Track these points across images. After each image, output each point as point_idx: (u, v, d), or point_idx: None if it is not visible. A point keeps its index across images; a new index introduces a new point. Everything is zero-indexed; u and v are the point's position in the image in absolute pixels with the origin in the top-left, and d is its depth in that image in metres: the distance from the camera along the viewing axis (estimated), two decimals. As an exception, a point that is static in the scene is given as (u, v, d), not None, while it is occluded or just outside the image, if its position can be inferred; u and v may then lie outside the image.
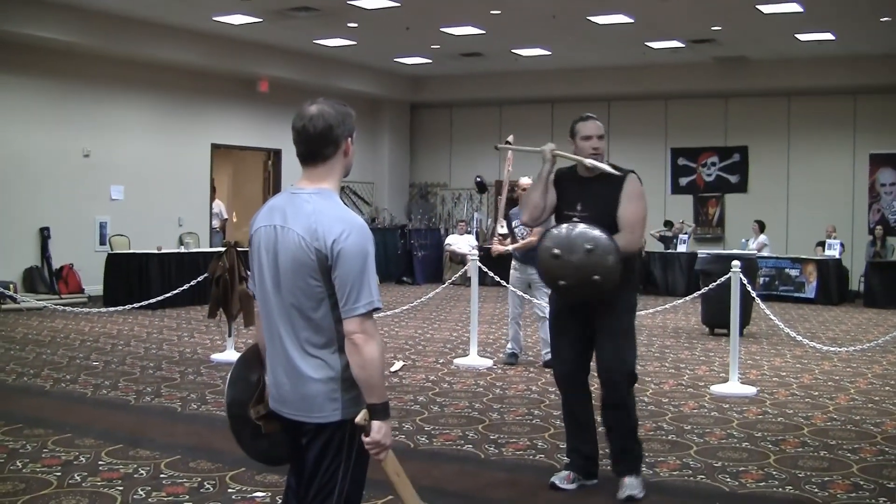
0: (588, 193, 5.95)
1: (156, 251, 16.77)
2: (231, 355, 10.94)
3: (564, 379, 6.15)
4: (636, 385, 6.17)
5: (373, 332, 3.37)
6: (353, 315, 3.36)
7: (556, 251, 5.67)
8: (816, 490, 6.10)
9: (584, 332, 6.00)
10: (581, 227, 5.68)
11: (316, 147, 3.52)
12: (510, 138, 6.03)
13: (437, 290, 13.37)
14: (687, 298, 11.87)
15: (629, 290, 6.04)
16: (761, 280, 18.14)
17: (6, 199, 16.10)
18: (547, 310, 9.61)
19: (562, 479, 6.08)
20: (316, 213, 3.44)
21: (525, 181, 10.63)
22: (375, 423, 3.39)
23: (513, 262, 11.01)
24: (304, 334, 3.44)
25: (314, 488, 3.51)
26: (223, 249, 11.44)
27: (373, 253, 3.45)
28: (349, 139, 3.57)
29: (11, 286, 15.67)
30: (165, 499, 5.76)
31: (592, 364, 6.09)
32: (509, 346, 11.17)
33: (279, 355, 3.50)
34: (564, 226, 5.77)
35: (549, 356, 10.15)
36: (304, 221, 3.42)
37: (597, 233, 5.63)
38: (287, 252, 3.43)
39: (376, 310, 3.41)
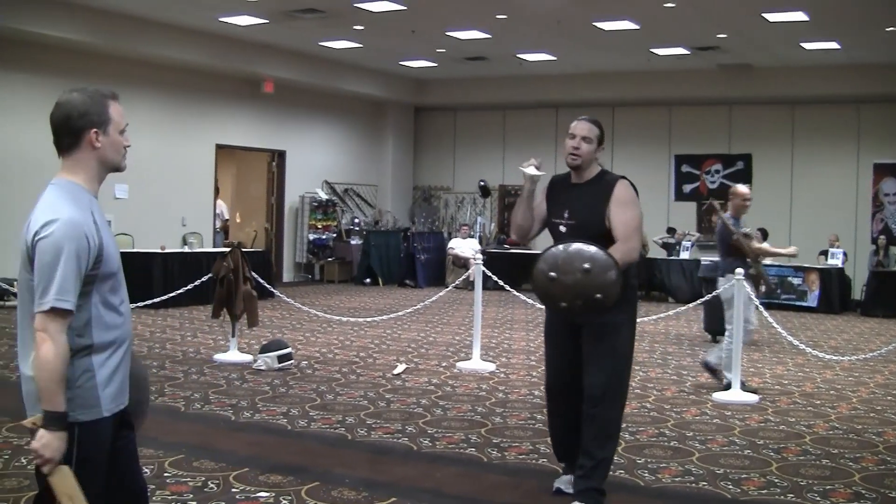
0: (576, 200, 5.76)
1: (159, 250, 16.79)
2: (234, 356, 10.97)
3: (551, 387, 6.03)
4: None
5: (53, 334, 3.13)
6: (37, 311, 3.15)
7: (552, 274, 5.40)
8: (818, 498, 6.11)
9: (575, 346, 5.77)
10: (575, 246, 5.39)
11: (56, 137, 3.38)
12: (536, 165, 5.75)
13: (439, 294, 13.37)
14: (689, 305, 11.87)
15: (620, 307, 5.61)
16: (763, 288, 18.11)
17: (10, 196, 16.07)
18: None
19: (566, 484, 6.04)
20: (38, 203, 3.31)
21: (743, 189, 10.19)
22: (40, 432, 3.15)
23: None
24: (27, 330, 3.28)
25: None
26: (227, 249, 11.46)
27: (73, 250, 3.18)
28: (94, 131, 3.36)
29: (16, 283, 15.70)
30: (169, 497, 5.77)
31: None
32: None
33: (19, 351, 3.40)
34: (560, 246, 5.48)
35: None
36: (31, 213, 3.31)
37: (593, 250, 5.35)
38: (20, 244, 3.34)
39: (64, 312, 3.15)
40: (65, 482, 3.20)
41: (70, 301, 3.17)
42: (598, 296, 5.34)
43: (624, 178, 5.79)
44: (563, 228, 5.75)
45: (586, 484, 5.64)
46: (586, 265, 5.31)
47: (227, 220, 22.29)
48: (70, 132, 3.36)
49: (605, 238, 5.57)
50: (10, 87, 16.62)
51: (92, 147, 3.38)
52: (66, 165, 3.40)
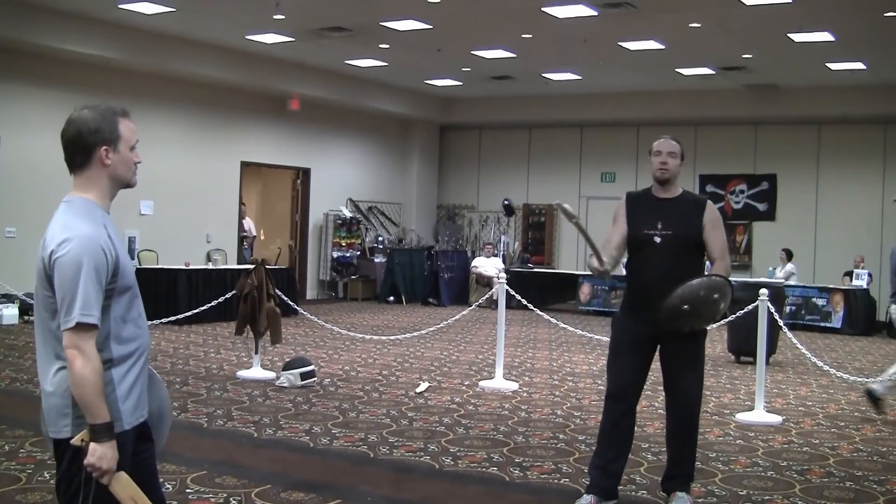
0: (667, 212, 6.11)
1: (184, 267, 16.85)
2: (257, 372, 10.99)
3: (621, 394, 6.15)
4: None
5: (84, 349, 3.16)
6: (65, 329, 3.18)
7: (685, 307, 5.70)
8: (842, 521, 6.08)
9: (649, 355, 6.16)
10: (704, 281, 5.77)
11: (68, 154, 3.39)
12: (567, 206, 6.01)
13: (463, 313, 13.38)
14: (713, 326, 11.82)
15: None
16: (788, 309, 18.04)
17: (36, 211, 16.17)
18: None
19: None
20: (52, 221, 3.34)
21: None
22: (92, 446, 3.19)
23: None
24: (46, 347, 3.33)
25: None
26: (252, 266, 11.49)
27: (92, 265, 3.21)
28: (104, 148, 3.37)
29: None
30: (191, 513, 5.79)
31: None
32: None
33: (38, 367, 3.41)
34: (690, 284, 5.72)
35: None
36: (46, 231, 3.33)
37: (719, 281, 5.79)
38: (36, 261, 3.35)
39: (90, 327, 3.19)
40: (126, 486, 3.28)
41: (94, 315, 3.20)
42: (716, 317, 5.97)
43: (708, 198, 6.38)
44: (657, 239, 6.02)
45: (684, 479, 6.20)
46: (716, 295, 5.75)
47: (254, 236, 22.34)
48: (81, 149, 3.38)
49: (696, 249, 6.10)
50: (37, 102, 16.70)
51: (102, 164, 3.40)
52: (77, 182, 3.43)
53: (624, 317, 6.24)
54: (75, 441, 3.25)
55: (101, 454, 3.20)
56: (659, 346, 6.12)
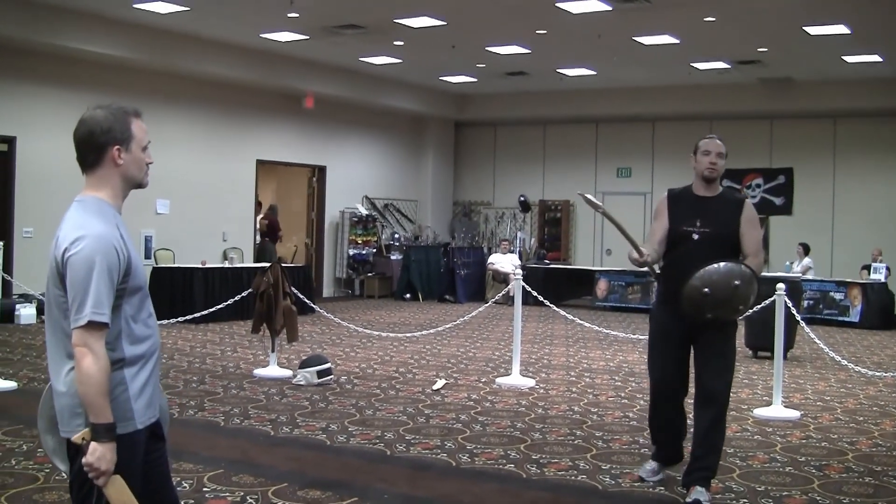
0: (707, 210, 6.26)
1: (200, 265, 16.86)
2: (274, 371, 10.99)
3: (661, 386, 6.53)
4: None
5: (94, 347, 3.16)
6: (75, 327, 3.17)
7: (706, 290, 5.86)
8: (861, 516, 6.05)
9: (687, 347, 6.42)
10: (725, 266, 5.92)
11: (80, 153, 3.41)
12: (589, 196, 6.08)
13: (479, 309, 13.36)
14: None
15: None
16: (805, 303, 17.96)
17: (53, 211, 16.21)
18: None
19: (647, 473, 6.64)
20: (65, 220, 3.33)
21: None
22: (91, 445, 3.18)
23: None
24: (58, 346, 3.33)
25: None
26: (268, 265, 11.49)
27: (105, 264, 3.21)
28: (116, 147, 3.37)
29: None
30: (208, 512, 5.79)
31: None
32: None
33: (50, 367, 3.41)
34: (713, 265, 5.92)
35: None
36: (58, 230, 3.33)
37: (741, 268, 5.94)
38: (49, 260, 3.35)
39: (101, 325, 3.19)
40: (120, 491, 3.26)
41: (106, 314, 3.20)
42: (741, 307, 6.08)
43: (746, 198, 6.54)
44: (696, 236, 6.20)
45: (704, 473, 6.27)
46: (737, 281, 5.90)
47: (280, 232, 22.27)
48: (93, 149, 3.38)
49: (732, 247, 6.22)
50: (51, 102, 16.72)
51: (115, 164, 3.39)
52: (90, 182, 3.43)
53: (659, 311, 6.53)
54: (76, 439, 3.25)
55: (100, 454, 3.19)
56: (692, 340, 6.33)
